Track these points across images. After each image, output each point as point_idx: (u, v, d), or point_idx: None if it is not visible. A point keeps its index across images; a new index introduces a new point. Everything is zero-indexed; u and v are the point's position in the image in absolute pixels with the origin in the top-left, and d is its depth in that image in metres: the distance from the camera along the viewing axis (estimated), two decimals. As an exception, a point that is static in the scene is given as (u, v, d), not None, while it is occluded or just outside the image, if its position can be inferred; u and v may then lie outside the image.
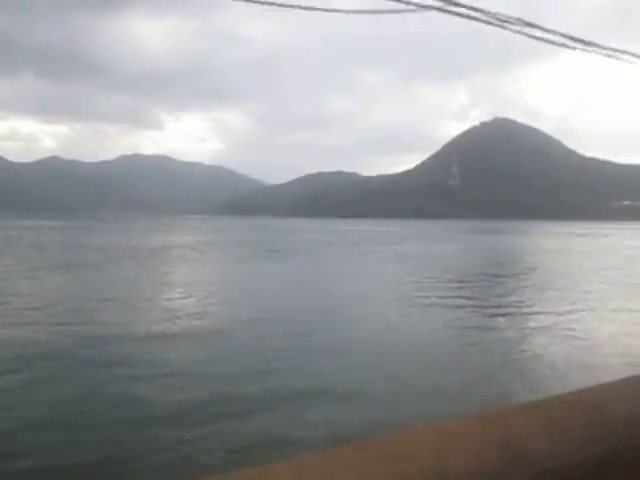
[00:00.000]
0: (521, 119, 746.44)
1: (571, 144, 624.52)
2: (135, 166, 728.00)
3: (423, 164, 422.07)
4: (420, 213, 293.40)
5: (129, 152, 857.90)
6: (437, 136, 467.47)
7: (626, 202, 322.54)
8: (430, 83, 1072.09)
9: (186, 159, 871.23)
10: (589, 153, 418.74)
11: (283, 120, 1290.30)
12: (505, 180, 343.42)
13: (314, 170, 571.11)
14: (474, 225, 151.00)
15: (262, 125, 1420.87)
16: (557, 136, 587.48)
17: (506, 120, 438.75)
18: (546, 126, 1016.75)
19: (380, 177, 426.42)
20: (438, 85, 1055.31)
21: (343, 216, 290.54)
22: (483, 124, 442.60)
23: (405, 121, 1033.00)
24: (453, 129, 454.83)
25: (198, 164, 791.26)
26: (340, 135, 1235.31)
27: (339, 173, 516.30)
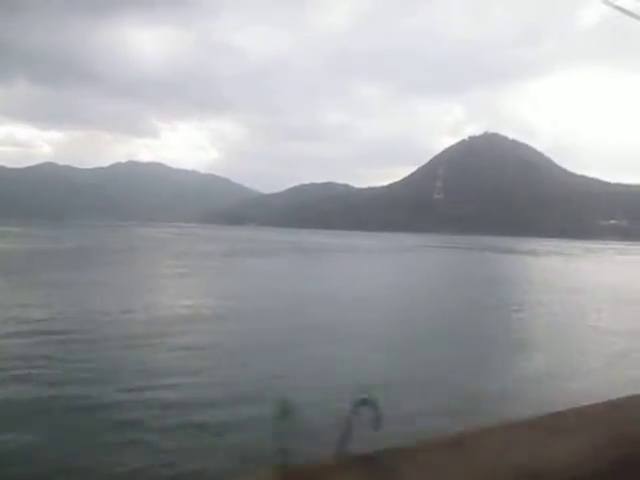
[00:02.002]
0: (514, 136, 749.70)
1: (563, 162, 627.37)
2: (130, 173, 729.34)
3: (410, 177, 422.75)
4: (405, 226, 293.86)
5: (124, 159, 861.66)
6: (430, 150, 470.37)
7: (612, 221, 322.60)
8: (425, 97, 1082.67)
9: (181, 167, 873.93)
10: (580, 171, 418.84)
11: (278, 131, 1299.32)
12: (491, 195, 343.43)
13: (307, 181, 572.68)
14: (446, 240, 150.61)
15: (257, 135, 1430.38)
16: (549, 154, 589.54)
17: (496, 135, 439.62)
18: (539, 144, 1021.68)
19: (370, 190, 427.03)
20: (433, 100, 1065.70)
21: (328, 227, 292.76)
22: (472, 138, 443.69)
23: (399, 134, 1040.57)
24: (446, 144, 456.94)
25: (193, 172, 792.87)
26: (334, 147, 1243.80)
27: (331, 184, 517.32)
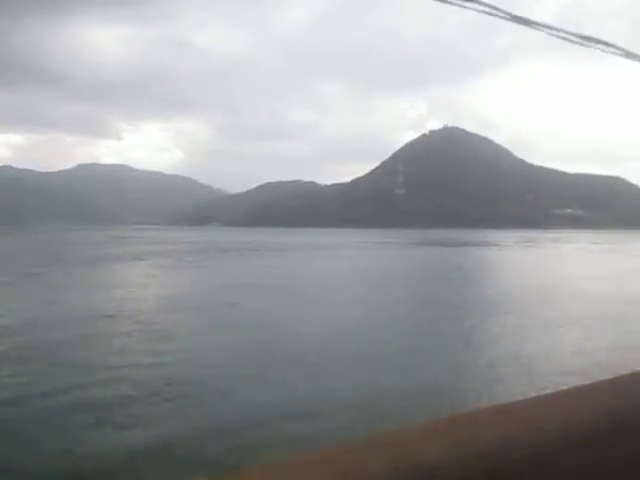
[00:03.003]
0: (476, 129, 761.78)
1: (522, 154, 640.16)
2: (93, 175, 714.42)
3: (372, 173, 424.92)
4: (367, 222, 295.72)
5: (87, 161, 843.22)
6: (394, 145, 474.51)
7: (568, 210, 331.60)
8: (389, 94, 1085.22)
9: (146, 168, 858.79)
10: (539, 163, 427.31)
11: (243, 130, 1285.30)
12: (451, 189, 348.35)
13: (274, 179, 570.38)
14: (402, 235, 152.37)
15: (223, 134, 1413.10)
16: (509, 146, 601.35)
17: (455, 129, 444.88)
18: (499, 136, 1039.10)
19: (334, 186, 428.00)
20: (396, 96, 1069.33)
21: (293, 225, 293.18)
22: (432, 132, 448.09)
23: (364, 130, 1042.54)
24: (409, 139, 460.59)
25: (158, 173, 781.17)
26: (300, 144, 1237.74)
27: (297, 182, 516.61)
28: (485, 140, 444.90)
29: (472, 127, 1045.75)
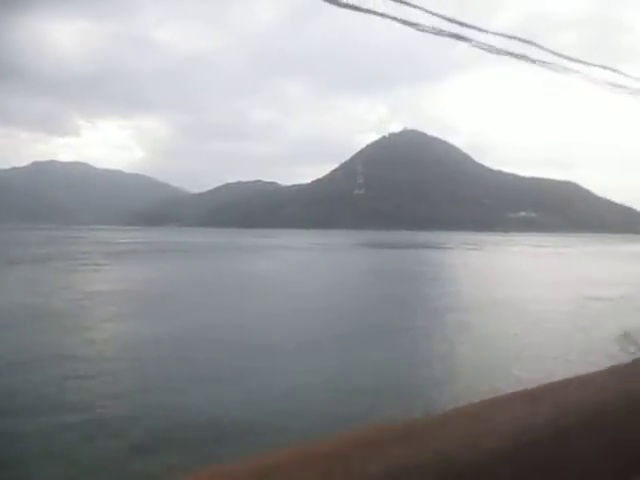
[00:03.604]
0: (437, 133, 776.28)
1: (481, 158, 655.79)
2: (50, 173, 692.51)
3: (332, 174, 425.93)
4: (327, 223, 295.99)
5: (44, 159, 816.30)
6: (356, 147, 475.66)
7: (522, 213, 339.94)
8: (351, 95, 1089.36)
9: (105, 167, 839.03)
10: (497, 167, 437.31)
11: (205, 129, 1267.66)
12: (410, 191, 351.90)
13: (235, 179, 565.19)
14: (364, 237, 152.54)
15: (184, 133, 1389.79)
16: (468, 150, 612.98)
17: (414, 132, 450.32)
18: (459, 140, 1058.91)
19: (295, 187, 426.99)
20: (359, 97, 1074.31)
21: (253, 226, 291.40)
22: (392, 135, 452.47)
23: (326, 132, 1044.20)
24: (370, 140, 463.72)
25: (118, 172, 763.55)
26: (263, 145, 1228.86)
27: (258, 182, 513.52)
28: (444, 143, 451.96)
29: (432, 131, 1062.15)
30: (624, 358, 13.09)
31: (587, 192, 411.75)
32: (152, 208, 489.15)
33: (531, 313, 21.45)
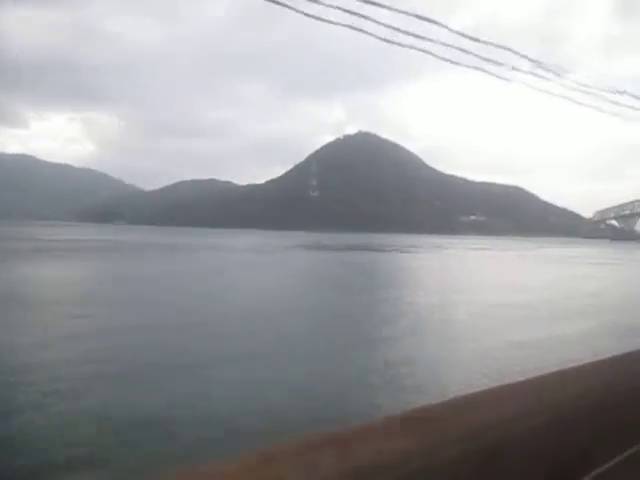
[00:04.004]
0: (392, 136, 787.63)
1: (434, 162, 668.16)
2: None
3: (286, 175, 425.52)
4: (280, 224, 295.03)
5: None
6: (312, 149, 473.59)
7: (473, 217, 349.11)
8: (309, 97, 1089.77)
9: (54, 160, 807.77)
10: (450, 171, 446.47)
11: (160, 125, 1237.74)
12: (364, 193, 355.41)
13: (189, 177, 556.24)
14: (313, 238, 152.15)
15: (138, 129, 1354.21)
16: (422, 153, 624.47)
17: (369, 134, 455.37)
18: (414, 144, 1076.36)
19: (250, 187, 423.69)
20: (316, 99, 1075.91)
21: (206, 225, 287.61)
22: (347, 137, 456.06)
23: (283, 132, 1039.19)
24: (325, 142, 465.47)
25: (66, 166, 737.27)
26: (219, 143, 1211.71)
27: (213, 181, 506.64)
28: (397, 147, 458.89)
29: (388, 134, 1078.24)
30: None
31: (533, 197, 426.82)
32: (102, 204, 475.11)
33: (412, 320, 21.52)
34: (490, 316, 22.46)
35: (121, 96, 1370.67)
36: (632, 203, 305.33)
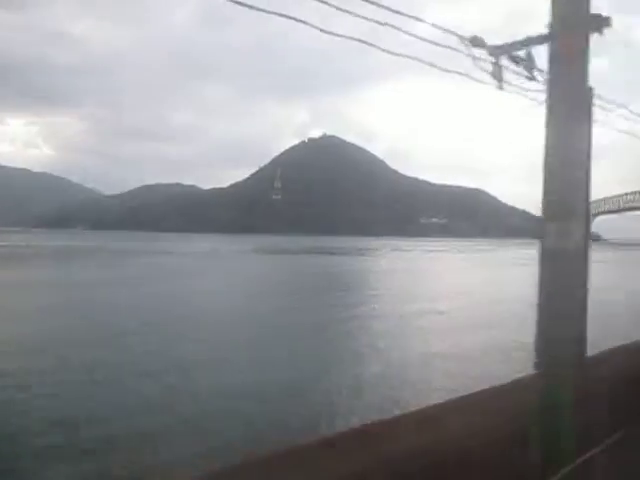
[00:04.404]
0: (356, 140, 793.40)
1: (397, 165, 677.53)
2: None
3: (250, 178, 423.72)
4: (244, 227, 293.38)
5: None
6: (277, 152, 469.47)
7: (434, 219, 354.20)
8: (274, 100, 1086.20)
9: (11, 164, 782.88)
10: (413, 174, 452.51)
11: (123, 129, 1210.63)
12: (328, 196, 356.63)
13: (153, 181, 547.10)
14: (272, 242, 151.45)
15: (100, 133, 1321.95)
16: (387, 156, 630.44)
17: (333, 137, 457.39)
18: (378, 147, 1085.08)
19: (214, 190, 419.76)
20: (282, 102, 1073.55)
21: (169, 230, 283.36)
22: (311, 140, 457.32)
23: (249, 136, 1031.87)
24: (290, 145, 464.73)
25: (24, 170, 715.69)
26: (183, 147, 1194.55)
27: (177, 185, 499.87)
28: (361, 150, 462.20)
29: (353, 137, 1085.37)
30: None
31: (494, 199, 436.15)
32: (61, 209, 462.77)
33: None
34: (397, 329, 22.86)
35: (83, 100, 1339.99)
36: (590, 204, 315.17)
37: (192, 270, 49.35)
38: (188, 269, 50.98)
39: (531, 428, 1.48)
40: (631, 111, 10.51)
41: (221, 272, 52.77)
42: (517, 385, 1.84)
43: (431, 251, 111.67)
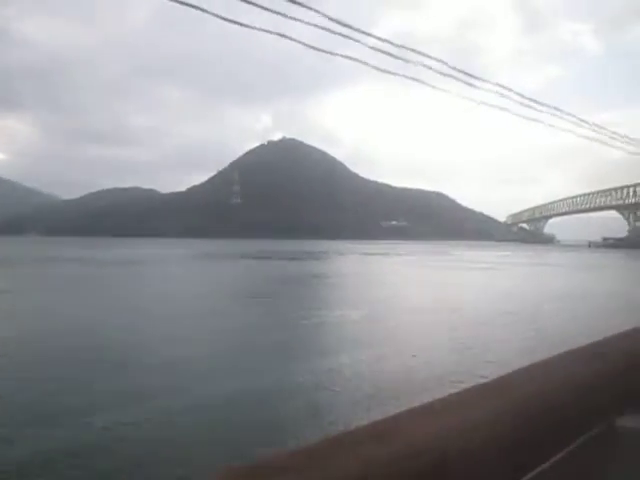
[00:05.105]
0: (319, 143, 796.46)
1: (359, 169, 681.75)
2: None
3: (209, 181, 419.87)
4: (203, 232, 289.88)
5: None
6: (238, 155, 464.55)
7: (394, 222, 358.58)
8: (236, 103, 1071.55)
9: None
10: (373, 178, 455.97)
11: (79, 132, 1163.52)
12: (288, 199, 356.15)
13: (111, 186, 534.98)
14: (228, 247, 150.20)
15: (55, 136, 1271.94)
16: (348, 160, 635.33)
17: (293, 140, 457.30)
18: (341, 151, 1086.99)
19: (173, 194, 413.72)
20: (243, 106, 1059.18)
21: (127, 235, 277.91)
22: (271, 143, 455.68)
23: (209, 140, 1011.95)
24: (249, 148, 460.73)
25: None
26: (142, 151, 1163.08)
27: (136, 189, 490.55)
28: (321, 153, 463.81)
29: (315, 141, 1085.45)
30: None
31: (453, 202, 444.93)
32: (13, 215, 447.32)
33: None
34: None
35: (37, 102, 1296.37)
36: (541, 207, 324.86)
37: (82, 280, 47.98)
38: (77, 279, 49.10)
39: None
40: (580, 119, 11.11)
41: (155, 277, 52.25)
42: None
43: (374, 254, 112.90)
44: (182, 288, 42.68)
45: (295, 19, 5.72)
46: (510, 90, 8.86)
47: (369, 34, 6.72)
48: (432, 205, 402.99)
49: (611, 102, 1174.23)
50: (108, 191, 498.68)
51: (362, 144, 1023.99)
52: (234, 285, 45.72)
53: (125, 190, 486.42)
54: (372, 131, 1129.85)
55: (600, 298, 34.71)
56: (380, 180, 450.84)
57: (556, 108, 10.33)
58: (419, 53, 7.28)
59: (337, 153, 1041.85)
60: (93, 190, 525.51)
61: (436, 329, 23.18)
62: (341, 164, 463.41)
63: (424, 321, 25.43)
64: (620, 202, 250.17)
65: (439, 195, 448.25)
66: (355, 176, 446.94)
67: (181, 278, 53.65)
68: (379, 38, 6.80)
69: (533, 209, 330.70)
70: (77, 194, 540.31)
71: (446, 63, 7.76)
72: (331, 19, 6.02)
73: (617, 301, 32.38)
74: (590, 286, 44.28)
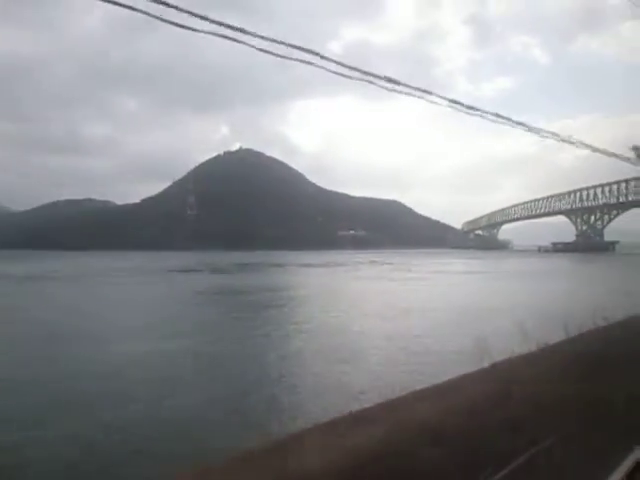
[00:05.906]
0: (277, 154, 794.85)
1: (318, 179, 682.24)
2: None
3: (163, 192, 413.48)
4: (158, 244, 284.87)
5: None
6: (195, 166, 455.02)
7: (352, 231, 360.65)
8: (191, 113, 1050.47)
9: None
10: (333, 188, 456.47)
11: (30, 142, 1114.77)
12: (245, 210, 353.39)
13: (64, 197, 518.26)
14: (181, 258, 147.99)
15: (4, 144, 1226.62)
16: (307, 171, 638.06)
17: (250, 151, 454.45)
18: (300, 162, 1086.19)
19: (128, 206, 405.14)
20: (200, 116, 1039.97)
21: (79, 248, 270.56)
22: (227, 153, 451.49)
23: (166, 150, 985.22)
24: (205, 158, 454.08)
25: None
26: (96, 161, 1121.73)
27: (90, 201, 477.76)
28: (279, 163, 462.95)
29: (274, 151, 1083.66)
30: None
31: (410, 211, 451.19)
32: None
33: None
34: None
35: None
36: (495, 213, 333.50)
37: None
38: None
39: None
40: (531, 127, 11.04)
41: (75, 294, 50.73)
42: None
43: (320, 265, 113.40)
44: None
45: (252, 34, 5.58)
46: (459, 103, 8.91)
47: (324, 56, 6.44)
48: (389, 214, 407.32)
49: (561, 111, 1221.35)
50: (61, 203, 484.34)
51: (322, 155, 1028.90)
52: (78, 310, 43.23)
53: (79, 202, 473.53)
54: (332, 142, 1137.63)
55: (451, 313, 34.43)
56: (339, 190, 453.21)
57: (508, 118, 10.56)
58: (370, 74, 7.68)
59: (297, 163, 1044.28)
60: (45, 202, 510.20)
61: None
62: (301, 174, 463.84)
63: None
64: (568, 207, 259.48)
65: (396, 203, 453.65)
66: (313, 186, 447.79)
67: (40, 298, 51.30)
68: (334, 60, 7.00)
69: (488, 216, 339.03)
70: (29, 206, 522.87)
71: (398, 81, 7.57)
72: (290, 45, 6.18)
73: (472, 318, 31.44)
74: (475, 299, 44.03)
